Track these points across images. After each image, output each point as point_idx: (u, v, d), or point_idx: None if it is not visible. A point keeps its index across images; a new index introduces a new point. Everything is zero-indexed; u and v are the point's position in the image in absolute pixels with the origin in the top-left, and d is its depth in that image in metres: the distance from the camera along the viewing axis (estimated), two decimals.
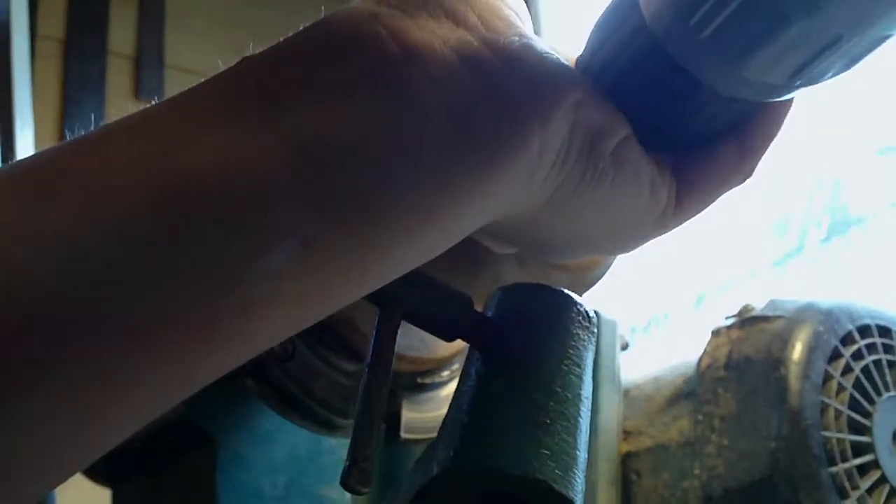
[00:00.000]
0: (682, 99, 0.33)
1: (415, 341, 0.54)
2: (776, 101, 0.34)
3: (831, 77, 0.31)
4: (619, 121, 0.32)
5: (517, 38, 0.30)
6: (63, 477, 0.25)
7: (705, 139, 0.35)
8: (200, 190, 0.24)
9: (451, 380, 0.61)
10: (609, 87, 0.33)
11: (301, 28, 0.29)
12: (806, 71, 0.30)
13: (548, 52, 0.30)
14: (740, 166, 0.35)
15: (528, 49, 0.30)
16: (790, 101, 0.35)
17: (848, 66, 0.30)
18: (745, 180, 0.36)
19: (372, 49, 0.28)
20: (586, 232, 0.34)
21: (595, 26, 0.35)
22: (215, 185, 0.25)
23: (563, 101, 0.30)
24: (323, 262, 0.26)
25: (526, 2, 0.35)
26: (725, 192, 0.36)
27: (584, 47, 0.35)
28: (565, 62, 0.31)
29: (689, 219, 0.36)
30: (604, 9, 0.35)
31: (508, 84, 0.29)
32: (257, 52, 0.29)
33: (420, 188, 0.27)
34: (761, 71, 0.30)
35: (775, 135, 0.36)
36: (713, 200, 0.36)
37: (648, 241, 0.36)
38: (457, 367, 0.60)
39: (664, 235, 0.36)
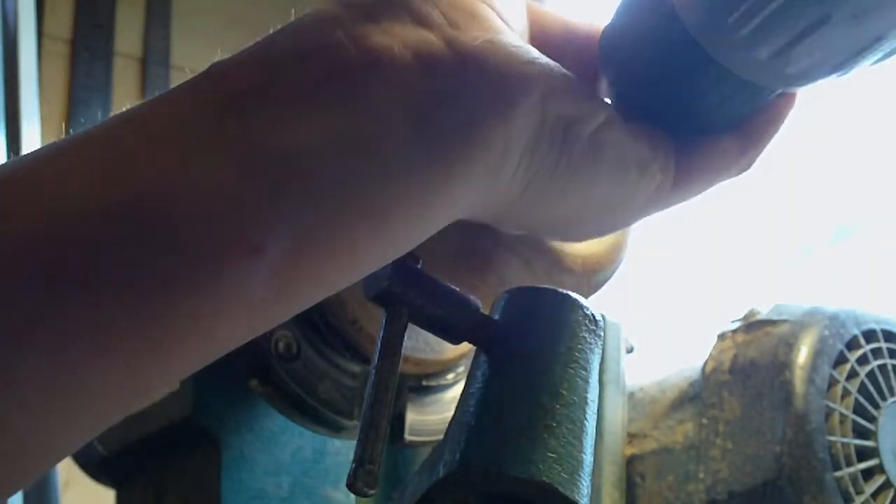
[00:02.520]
0: (711, 87, 0.33)
1: (421, 343, 0.54)
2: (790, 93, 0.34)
3: (861, 68, 0.31)
4: (596, 106, 0.32)
5: (481, 35, 0.30)
6: (13, 489, 0.25)
7: (723, 126, 0.35)
8: (152, 199, 0.25)
9: (456, 382, 0.61)
10: (631, 70, 0.33)
11: (269, 32, 0.29)
12: (842, 67, 0.30)
13: (513, 47, 0.30)
14: (740, 157, 0.36)
15: (491, 46, 0.30)
16: (794, 99, 0.35)
17: (882, 60, 0.31)
18: (742, 172, 0.37)
19: (330, 55, 0.28)
20: (576, 213, 0.34)
21: (620, 7, 0.35)
22: (166, 194, 0.25)
23: (526, 98, 0.30)
24: (277, 268, 0.26)
25: None
26: (723, 180, 0.36)
27: (608, 25, 0.35)
28: (533, 56, 0.31)
29: (686, 199, 0.36)
30: None
31: (467, 84, 0.29)
32: (226, 56, 0.29)
33: (377, 193, 0.27)
34: (799, 65, 0.30)
35: (777, 130, 0.36)
36: (710, 186, 0.36)
37: (645, 216, 0.36)
38: (462, 369, 0.60)
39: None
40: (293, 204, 0.26)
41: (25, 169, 0.25)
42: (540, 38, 0.36)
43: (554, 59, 0.32)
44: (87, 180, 0.25)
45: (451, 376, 0.60)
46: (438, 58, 0.29)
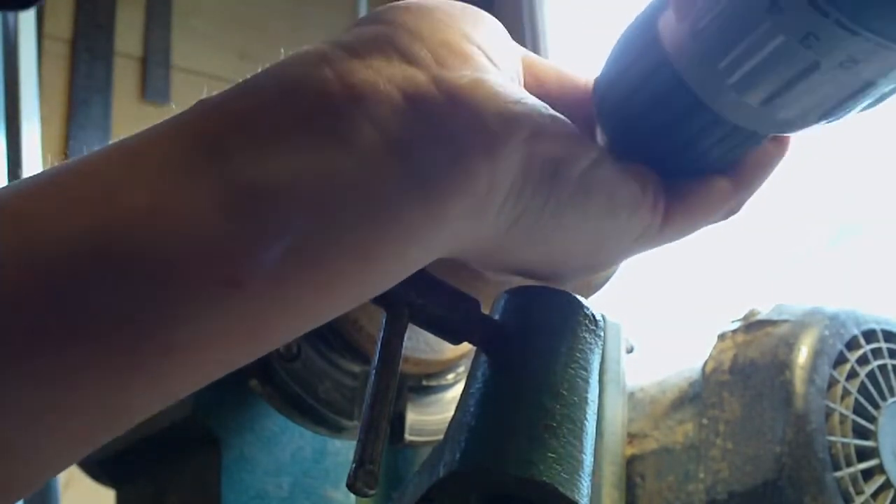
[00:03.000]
0: (702, 132, 0.33)
1: (421, 343, 0.54)
2: (780, 138, 0.35)
3: (855, 113, 0.31)
4: (584, 147, 0.32)
5: (468, 74, 0.30)
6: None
7: (714, 168, 0.35)
8: (128, 233, 0.25)
9: (456, 383, 0.61)
10: (623, 113, 0.33)
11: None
12: (833, 112, 0.30)
13: (499, 87, 0.30)
14: (730, 200, 0.36)
15: (478, 85, 0.29)
16: (787, 143, 0.36)
17: (873, 106, 0.31)
18: (730, 215, 0.36)
19: (315, 91, 0.28)
20: (562, 252, 0.34)
21: (613, 55, 0.35)
22: (144, 229, 0.25)
23: (511, 137, 0.29)
24: (255, 304, 0.26)
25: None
26: (711, 222, 0.36)
27: (601, 71, 0.36)
28: (519, 96, 0.30)
29: (673, 240, 0.36)
30: (622, 37, 0.35)
31: (452, 123, 0.29)
32: (212, 94, 0.29)
33: (359, 230, 0.27)
34: (790, 111, 0.31)
35: (767, 175, 0.36)
36: (698, 228, 0.36)
37: (633, 255, 0.36)
38: (462, 369, 0.60)
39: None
40: (275, 240, 0.26)
41: (4, 201, 0.25)
42: (535, 88, 0.36)
43: None
44: (67, 215, 0.25)
45: (451, 376, 0.60)
46: (424, 95, 0.29)
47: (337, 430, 0.58)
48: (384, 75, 0.29)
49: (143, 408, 0.26)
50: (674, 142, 0.34)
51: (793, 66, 0.28)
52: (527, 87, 0.35)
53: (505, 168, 0.29)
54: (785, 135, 0.34)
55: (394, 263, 0.29)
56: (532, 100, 0.31)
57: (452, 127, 0.29)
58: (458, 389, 0.60)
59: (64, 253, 0.24)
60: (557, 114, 0.31)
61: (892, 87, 0.29)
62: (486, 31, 0.33)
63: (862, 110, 0.31)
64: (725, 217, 0.37)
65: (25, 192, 0.26)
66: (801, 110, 0.31)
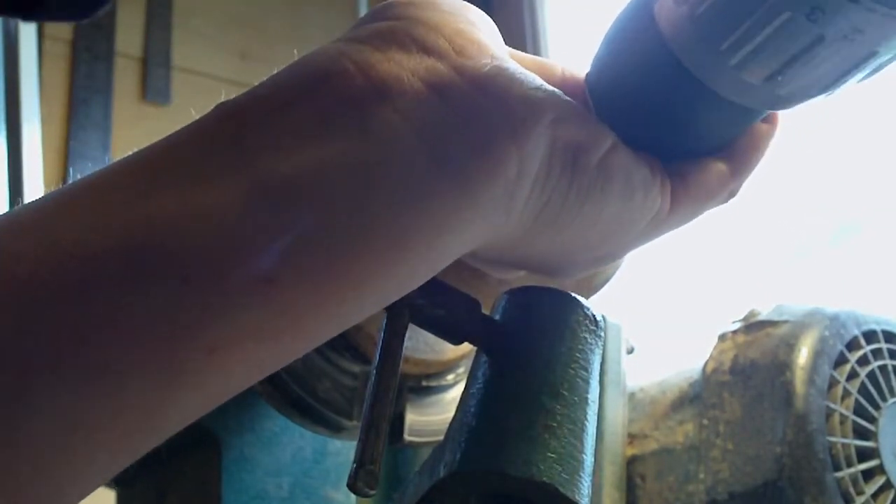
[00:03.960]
0: (701, 112, 0.33)
1: (421, 344, 0.54)
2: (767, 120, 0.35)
3: (854, 83, 0.31)
4: (602, 132, 0.32)
5: (489, 61, 0.30)
6: None
7: (711, 148, 0.35)
8: (160, 238, 0.25)
9: (456, 383, 0.61)
10: (620, 98, 0.33)
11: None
12: (834, 84, 0.30)
13: (521, 73, 0.30)
14: (728, 182, 0.36)
15: (500, 72, 0.30)
16: (776, 122, 0.36)
17: (871, 76, 0.31)
18: (730, 197, 0.37)
19: (340, 86, 0.28)
20: (582, 240, 0.34)
21: (607, 39, 0.35)
22: (174, 233, 0.25)
23: (538, 122, 0.30)
24: (292, 300, 0.26)
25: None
26: (713, 205, 0.37)
27: (595, 56, 0.36)
28: (539, 82, 0.31)
29: (678, 226, 0.36)
30: (616, 21, 0.35)
31: (479, 109, 0.29)
32: (231, 98, 0.29)
33: (392, 221, 0.27)
34: (791, 86, 0.31)
35: (762, 155, 0.36)
36: (702, 211, 0.37)
37: (644, 243, 0.36)
38: (463, 370, 0.60)
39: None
40: (304, 234, 0.26)
41: (34, 214, 0.25)
42: None
43: None
44: (96, 228, 0.25)
45: (451, 377, 0.60)
46: (449, 84, 0.29)
47: (337, 430, 0.58)
48: (407, 67, 0.29)
49: (182, 415, 0.26)
50: (672, 123, 0.34)
51: (797, 41, 0.28)
52: None
53: (532, 153, 0.30)
54: (781, 110, 0.34)
55: (427, 254, 0.29)
56: (549, 86, 0.31)
57: (479, 113, 0.29)
58: (457, 390, 0.60)
59: (97, 266, 0.24)
60: (574, 101, 0.32)
61: (892, 55, 0.29)
62: (485, 25, 0.33)
63: (860, 81, 0.31)
64: (726, 200, 0.37)
65: (53, 204, 0.26)
66: (803, 85, 0.31)
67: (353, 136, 0.27)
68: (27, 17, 0.51)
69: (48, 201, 0.26)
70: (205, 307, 0.25)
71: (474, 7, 0.34)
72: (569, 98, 0.31)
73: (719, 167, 0.35)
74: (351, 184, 0.27)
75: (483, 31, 0.32)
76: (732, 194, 0.37)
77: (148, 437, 0.25)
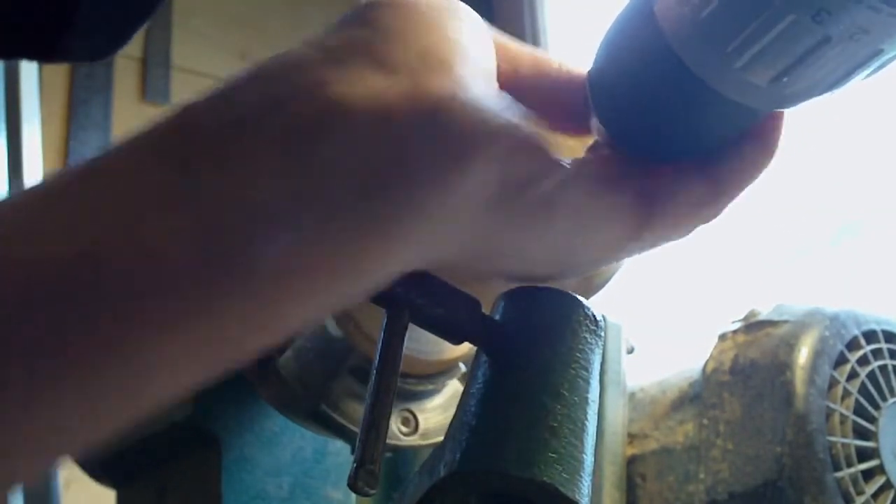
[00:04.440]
0: (705, 114, 0.33)
1: (421, 343, 0.54)
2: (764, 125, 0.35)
3: (859, 81, 0.31)
4: (555, 165, 0.32)
5: (448, 85, 0.29)
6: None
7: (712, 149, 0.35)
8: (107, 252, 0.25)
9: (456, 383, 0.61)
10: (621, 97, 0.33)
11: (236, 74, 0.29)
12: (839, 83, 0.30)
13: (475, 102, 0.29)
14: (710, 208, 0.35)
15: (455, 99, 0.29)
16: (772, 151, 0.35)
17: (876, 72, 0.31)
18: (715, 217, 0.36)
19: (285, 109, 0.28)
20: (540, 260, 0.34)
21: (607, 38, 0.35)
22: (121, 249, 0.25)
23: (484, 153, 0.29)
24: (226, 319, 0.26)
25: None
26: (699, 222, 0.36)
27: (596, 55, 0.36)
28: (496, 111, 0.30)
29: (661, 244, 0.36)
30: (616, 21, 0.35)
31: (423, 139, 0.28)
32: (197, 100, 0.28)
33: (322, 250, 0.27)
34: (797, 86, 0.31)
35: (749, 182, 0.36)
36: (686, 231, 0.36)
37: (614, 262, 0.36)
38: (463, 370, 0.60)
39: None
40: (231, 263, 0.26)
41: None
42: (510, 74, 0.35)
43: (524, 97, 0.32)
44: (41, 234, 0.25)
45: (451, 377, 0.60)
46: (396, 111, 0.28)
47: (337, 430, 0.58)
48: (359, 89, 0.28)
49: (124, 416, 0.26)
50: (672, 122, 0.34)
51: (803, 43, 0.28)
52: (502, 73, 0.34)
53: (473, 187, 0.29)
54: (785, 109, 0.34)
55: (354, 281, 0.29)
56: (507, 114, 0.30)
57: (423, 145, 0.28)
58: (457, 390, 0.60)
59: (39, 269, 0.24)
60: (532, 130, 0.31)
61: None
62: (467, 27, 0.33)
63: (864, 78, 0.31)
64: (712, 218, 0.36)
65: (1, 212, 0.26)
66: (808, 85, 0.31)
67: (296, 166, 0.27)
68: (47, 60, 0.50)
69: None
70: (141, 332, 0.25)
71: (460, 5, 0.33)
72: (527, 129, 0.31)
73: (701, 192, 0.35)
74: (289, 214, 0.27)
75: (460, 39, 0.31)
76: (714, 217, 0.36)
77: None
